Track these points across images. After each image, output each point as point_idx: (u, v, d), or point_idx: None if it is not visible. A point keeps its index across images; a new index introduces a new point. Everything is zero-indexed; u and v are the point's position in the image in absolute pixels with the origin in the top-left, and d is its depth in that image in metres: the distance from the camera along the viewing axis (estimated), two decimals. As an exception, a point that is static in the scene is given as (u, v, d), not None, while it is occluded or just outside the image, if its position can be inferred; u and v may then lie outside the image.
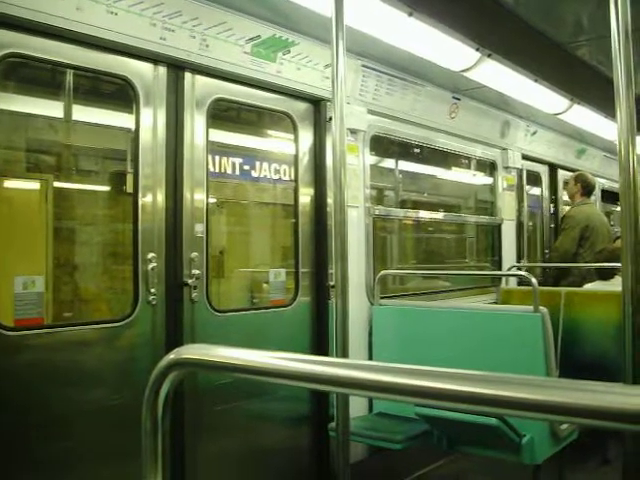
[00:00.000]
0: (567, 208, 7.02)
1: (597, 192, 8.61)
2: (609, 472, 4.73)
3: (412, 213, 5.79)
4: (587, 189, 6.59)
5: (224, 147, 4.11)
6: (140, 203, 3.41)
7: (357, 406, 4.20)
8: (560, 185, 7.78)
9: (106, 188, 3.78)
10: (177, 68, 3.59)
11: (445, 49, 4.20)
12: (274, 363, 1.20)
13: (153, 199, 3.46)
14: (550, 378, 1.17)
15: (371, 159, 4.92)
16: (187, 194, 3.62)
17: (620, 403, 0.85)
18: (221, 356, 1.28)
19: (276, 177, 4.29)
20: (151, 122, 3.47)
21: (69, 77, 3.29)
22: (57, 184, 3.44)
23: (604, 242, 6.26)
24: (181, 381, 1.31)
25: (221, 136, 4.08)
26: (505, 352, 3.95)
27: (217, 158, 3.96)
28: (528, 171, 7.13)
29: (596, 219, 6.42)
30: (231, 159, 4.08)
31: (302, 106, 4.31)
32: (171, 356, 1.29)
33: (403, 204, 5.75)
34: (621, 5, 2.26)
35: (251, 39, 3.76)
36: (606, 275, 5.35)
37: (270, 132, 4.44)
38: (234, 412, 3.76)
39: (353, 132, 4.51)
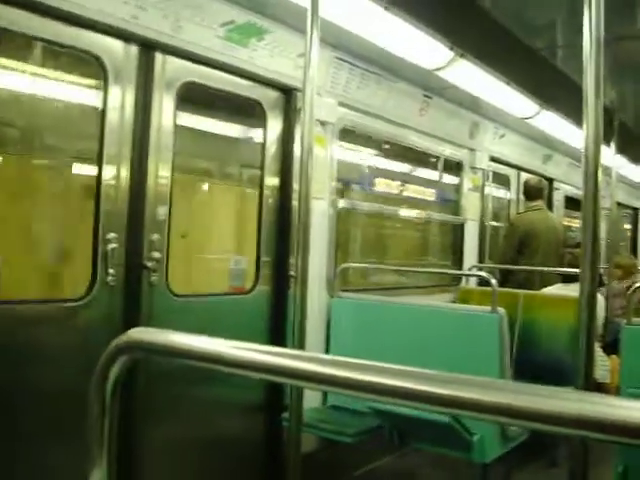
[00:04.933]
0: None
1: (560, 198, 8.72)
2: (555, 474, 4.79)
3: (377, 207, 5.79)
4: (527, 194, 6.66)
5: (192, 131, 4.06)
6: (103, 183, 3.36)
7: (311, 397, 4.20)
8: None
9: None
10: (148, 48, 3.53)
11: (419, 46, 4.20)
12: (227, 352, 1.17)
13: (117, 180, 3.41)
14: (504, 380, 1.17)
15: (339, 152, 4.91)
16: (152, 177, 3.57)
17: (570, 409, 0.85)
18: (173, 342, 1.23)
19: (245, 164, 4.26)
20: (119, 102, 3.42)
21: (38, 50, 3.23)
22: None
23: (550, 248, 6.25)
24: (133, 365, 1.27)
25: (190, 120, 4.03)
26: (461, 351, 3.98)
27: (186, 143, 3.91)
28: (495, 173, 7.18)
29: (541, 226, 6.34)
30: (199, 144, 4.04)
31: (273, 94, 4.28)
32: (122, 339, 1.24)
33: (370, 198, 5.74)
34: (595, 14, 2.27)
35: (225, 23, 3.70)
36: (569, 278, 5.46)
37: (240, 119, 4.40)
38: (186, 399, 3.72)
39: (322, 123, 4.49)
